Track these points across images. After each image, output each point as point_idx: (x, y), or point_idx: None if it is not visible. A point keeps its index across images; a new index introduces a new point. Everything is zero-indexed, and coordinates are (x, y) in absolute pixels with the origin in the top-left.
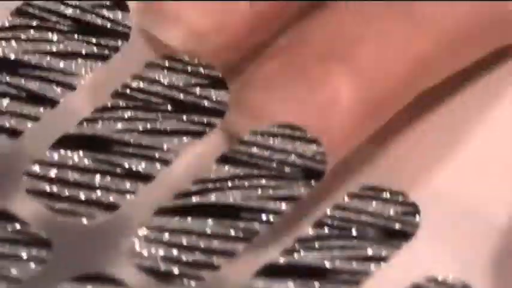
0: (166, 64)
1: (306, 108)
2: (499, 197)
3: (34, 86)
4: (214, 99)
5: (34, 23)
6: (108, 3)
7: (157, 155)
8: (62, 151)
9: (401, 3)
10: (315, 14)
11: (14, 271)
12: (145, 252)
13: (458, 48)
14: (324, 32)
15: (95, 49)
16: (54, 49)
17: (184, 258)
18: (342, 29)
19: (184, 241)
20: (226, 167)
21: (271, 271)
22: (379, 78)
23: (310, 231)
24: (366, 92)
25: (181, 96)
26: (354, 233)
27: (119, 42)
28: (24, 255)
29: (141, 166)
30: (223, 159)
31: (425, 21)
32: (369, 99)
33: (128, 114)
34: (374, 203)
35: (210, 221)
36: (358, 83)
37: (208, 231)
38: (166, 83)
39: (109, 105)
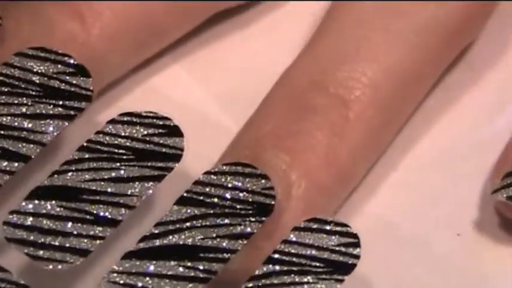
0: (126, 119)
1: None
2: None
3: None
4: (171, 146)
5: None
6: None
7: (122, 200)
8: (36, 201)
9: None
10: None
11: None
12: None
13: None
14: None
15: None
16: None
17: None
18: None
19: (149, 284)
20: (184, 208)
21: None
22: (326, 170)
23: (260, 270)
24: (314, 186)
25: (141, 145)
26: (301, 267)
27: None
28: None
29: (108, 212)
30: (181, 201)
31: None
32: (317, 189)
33: (93, 165)
34: (318, 235)
35: (172, 263)
36: (307, 179)
37: (172, 273)
38: (126, 135)
39: (76, 158)
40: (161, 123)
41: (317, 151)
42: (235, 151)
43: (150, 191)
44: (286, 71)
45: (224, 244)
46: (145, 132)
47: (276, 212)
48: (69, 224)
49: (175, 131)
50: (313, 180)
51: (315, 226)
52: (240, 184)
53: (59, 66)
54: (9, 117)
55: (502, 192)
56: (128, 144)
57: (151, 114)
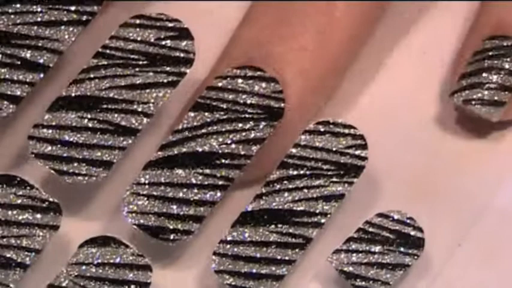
0: (137, 22)
1: None
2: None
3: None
4: (183, 49)
5: None
6: None
7: (140, 108)
8: (58, 113)
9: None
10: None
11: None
12: (137, 208)
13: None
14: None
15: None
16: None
17: (174, 212)
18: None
19: (171, 194)
20: (199, 115)
21: (246, 219)
22: (317, 67)
23: (274, 174)
24: (307, 84)
25: (154, 50)
26: (312, 171)
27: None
28: (39, 222)
29: (128, 121)
30: (196, 107)
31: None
32: (310, 86)
33: (109, 72)
34: (327, 137)
35: (192, 171)
36: (300, 77)
37: (193, 181)
38: (139, 39)
39: (93, 65)
40: (172, 25)
41: (306, 50)
42: (228, 56)
43: (166, 98)
44: None
45: (239, 149)
46: (157, 36)
47: None
48: (92, 136)
49: (186, 34)
50: (305, 78)
51: (323, 129)
52: (250, 88)
53: None
54: (25, 26)
55: (458, 95)
56: (141, 49)
57: (162, 17)
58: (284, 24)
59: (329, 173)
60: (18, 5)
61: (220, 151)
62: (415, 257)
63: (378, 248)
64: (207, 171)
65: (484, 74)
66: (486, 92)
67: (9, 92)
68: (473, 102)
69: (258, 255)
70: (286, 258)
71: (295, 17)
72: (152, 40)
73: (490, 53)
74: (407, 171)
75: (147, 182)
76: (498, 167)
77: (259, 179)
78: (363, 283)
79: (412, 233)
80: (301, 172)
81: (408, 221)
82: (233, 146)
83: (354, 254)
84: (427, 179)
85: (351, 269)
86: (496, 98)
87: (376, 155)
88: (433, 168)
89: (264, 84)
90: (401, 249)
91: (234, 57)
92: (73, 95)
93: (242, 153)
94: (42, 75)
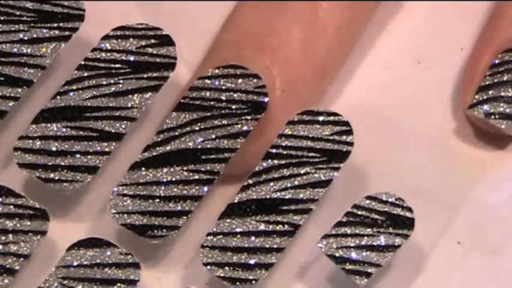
0: (119, 33)
1: None
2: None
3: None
4: (164, 55)
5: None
6: None
7: (123, 114)
8: (42, 124)
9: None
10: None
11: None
12: (123, 208)
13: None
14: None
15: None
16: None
17: (159, 209)
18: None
19: (157, 192)
20: (183, 114)
21: (232, 211)
22: (305, 62)
23: (260, 165)
24: (295, 78)
25: (136, 57)
26: (298, 159)
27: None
28: (27, 228)
29: (112, 126)
30: (179, 107)
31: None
32: (299, 81)
33: (93, 82)
34: (312, 126)
35: (177, 169)
36: (288, 72)
37: (178, 178)
38: (121, 49)
39: (76, 77)
40: (153, 33)
41: (294, 46)
42: (216, 53)
43: (149, 102)
44: None
45: (224, 144)
46: (139, 44)
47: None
48: (76, 143)
49: (167, 41)
50: (294, 73)
51: (308, 118)
52: (233, 85)
53: None
54: (7, 44)
55: (478, 109)
56: (123, 58)
57: (142, 26)
58: (270, 22)
59: (315, 160)
60: (0, 25)
61: (204, 146)
62: (406, 237)
63: (367, 231)
64: (192, 166)
65: (503, 88)
66: (506, 106)
67: None
68: (494, 117)
69: (247, 245)
70: (275, 246)
71: (282, 15)
72: (134, 49)
73: (509, 66)
74: (397, 167)
75: (132, 182)
76: (486, 164)
77: (245, 173)
78: (353, 267)
79: (402, 213)
80: (287, 161)
81: (397, 201)
82: (217, 140)
83: (344, 238)
84: (417, 176)
85: (340, 253)
86: None
87: (364, 151)
88: (423, 165)
89: (246, 80)
90: (391, 230)
91: (220, 57)
92: (57, 106)
93: (227, 147)
94: (26, 90)
